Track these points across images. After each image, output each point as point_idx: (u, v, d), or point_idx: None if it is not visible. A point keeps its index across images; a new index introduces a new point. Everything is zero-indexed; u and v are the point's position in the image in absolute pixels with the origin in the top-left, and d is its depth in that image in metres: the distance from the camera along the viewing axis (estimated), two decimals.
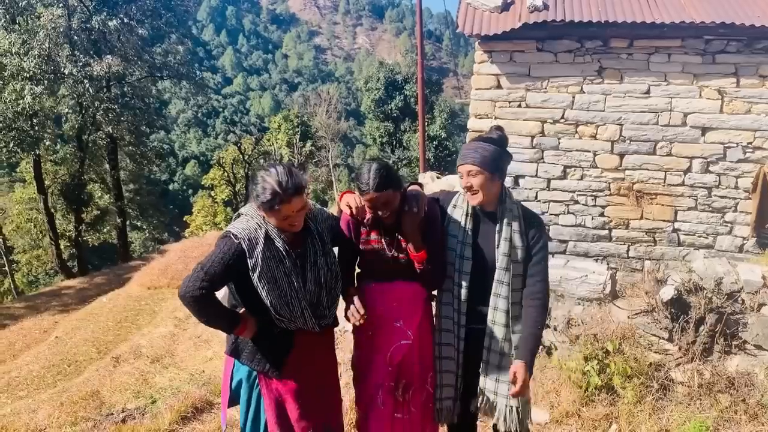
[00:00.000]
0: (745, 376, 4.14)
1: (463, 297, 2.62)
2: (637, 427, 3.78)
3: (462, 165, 2.57)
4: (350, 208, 2.60)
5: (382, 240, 2.62)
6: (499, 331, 2.59)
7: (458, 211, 2.68)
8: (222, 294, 2.47)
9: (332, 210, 2.84)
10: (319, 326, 2.46)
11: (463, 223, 2.65)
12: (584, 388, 4.11)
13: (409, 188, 2.66)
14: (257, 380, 2.48)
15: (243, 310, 2.43)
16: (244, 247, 2.28)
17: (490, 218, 2.64)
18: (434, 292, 2.78)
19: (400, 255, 2.61)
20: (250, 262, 2.28)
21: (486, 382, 2.63)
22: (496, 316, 2.59)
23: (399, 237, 2.61)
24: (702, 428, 3.64)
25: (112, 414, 4.77)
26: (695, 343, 4.38)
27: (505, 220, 2.59)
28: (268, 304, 2.32)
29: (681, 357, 4.42)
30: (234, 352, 2.48)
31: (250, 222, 2.35)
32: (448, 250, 2.65)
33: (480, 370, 2.64)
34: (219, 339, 6.94)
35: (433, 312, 2.78)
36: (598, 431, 3.82)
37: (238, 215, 2.43)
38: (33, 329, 12.14)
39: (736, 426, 3.76)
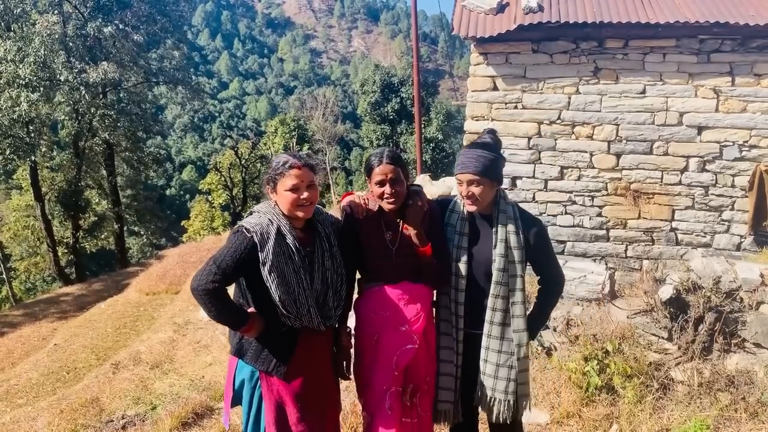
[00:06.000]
0: (744, 375, 4.15)
1: (460, 300, 2.65)
2: (638, 426, 3.78)
3: (462, 174, 2.59)
4: (351, 207, 2.67)
5: (385, 236, 2.64)
6: (496, 331, 2.62)
7: (455, 216, 2.71)
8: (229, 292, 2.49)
9: (330, 212, 2.87)
10: (324, 326, 2.49)
11: (459, 227, 2.68)
12: (584, 389, 4.11)
13: (411, 187, 2.71)
14: (259, 381, 2.50)
15: (251, 309, 2.46)
16: (256, 241, 2.34)
17: (487, 221, 2.67)
18: (434, 297, 2.78)
19: (404, 249, 2.62)
20: (261, 256, 2.33)
21: (485, 379, 2.66)
22: (494, 316, 2.61)
23: (401, 232, 2.64)
24: (702, 427, 3.64)
25: (112, 421, 4.76)
26: (694, 342, 4.39)
27: (501, 222, 2.61)
28: (277, 300, 2.36)
29: (680, 356, 4.43)
30: (238, 351, 2.51)
31: (262, 218, 2.43)
32: None
33: (480, 368, 2.67)
34: (218, 344, 6.93)
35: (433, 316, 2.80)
36: (598, 431, 3.82)
37: (251, 213, 2.51)
38: (31, 336, 12.10)
39: (737, 424, 3.76)
